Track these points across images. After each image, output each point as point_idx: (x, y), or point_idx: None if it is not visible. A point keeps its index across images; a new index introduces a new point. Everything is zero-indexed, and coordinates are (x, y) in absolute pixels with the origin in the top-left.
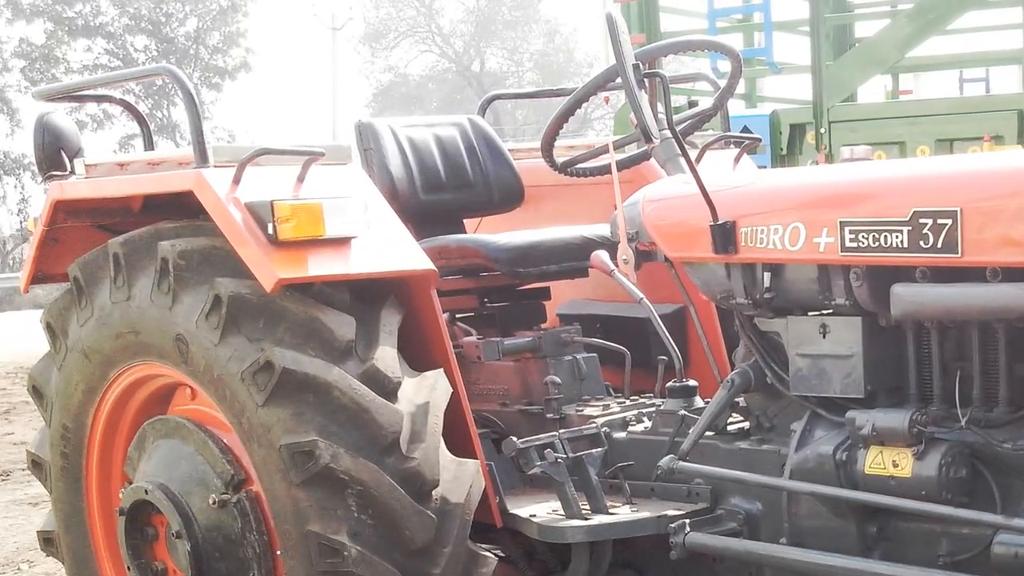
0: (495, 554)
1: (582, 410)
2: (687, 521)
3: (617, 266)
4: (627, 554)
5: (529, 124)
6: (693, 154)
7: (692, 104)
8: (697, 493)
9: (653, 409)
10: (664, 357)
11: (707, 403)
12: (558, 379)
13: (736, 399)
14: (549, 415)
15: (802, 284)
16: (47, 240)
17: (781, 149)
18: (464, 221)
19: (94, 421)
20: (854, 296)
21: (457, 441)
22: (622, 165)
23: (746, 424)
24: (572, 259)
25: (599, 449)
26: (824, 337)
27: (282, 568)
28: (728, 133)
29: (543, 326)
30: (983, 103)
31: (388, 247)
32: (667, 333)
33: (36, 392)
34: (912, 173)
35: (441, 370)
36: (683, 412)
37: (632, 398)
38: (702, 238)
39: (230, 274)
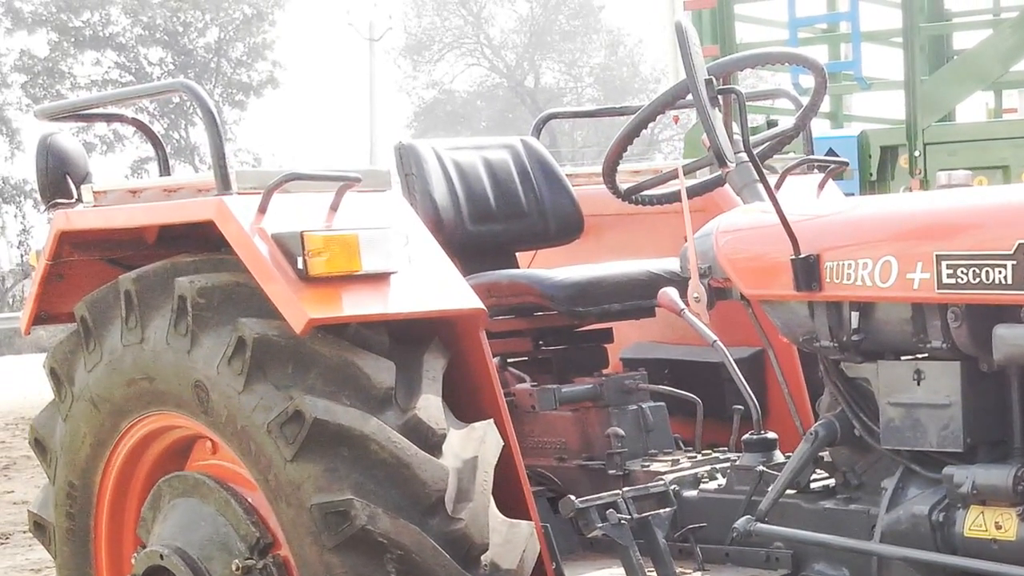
0: None
1: (648, 466)
2: None
3: (687, 305)
4: None
5: (589, 146)
6: (772, 180)
7: (771, 124)
8: (777, 558)
9: (728, 464)
10: (740, 406)
11: (788, 458)
12: (621, 431)
13: (820, 453)
14: (611, 471)
15: (894, 325)
16: (51, 276)
17: (870, 174)
18: (517, 255)
19: (103, 478)
20: (952, 338)
21: (509, 500)
22: (693, 192)
23: (831, 481)
24: (637, 297)
25: (667, 509)
26: (918, 384)
27: None
28: (811, 156)
29: (605, 372)
30: None
31: (432, 284)
32: (743, 379)
33: (39, 445)
34: (1017, 201)
35: (491, 421)
36: (761, 468)
37: (704, 452)
38: (782, 274)
39: (255, 314)
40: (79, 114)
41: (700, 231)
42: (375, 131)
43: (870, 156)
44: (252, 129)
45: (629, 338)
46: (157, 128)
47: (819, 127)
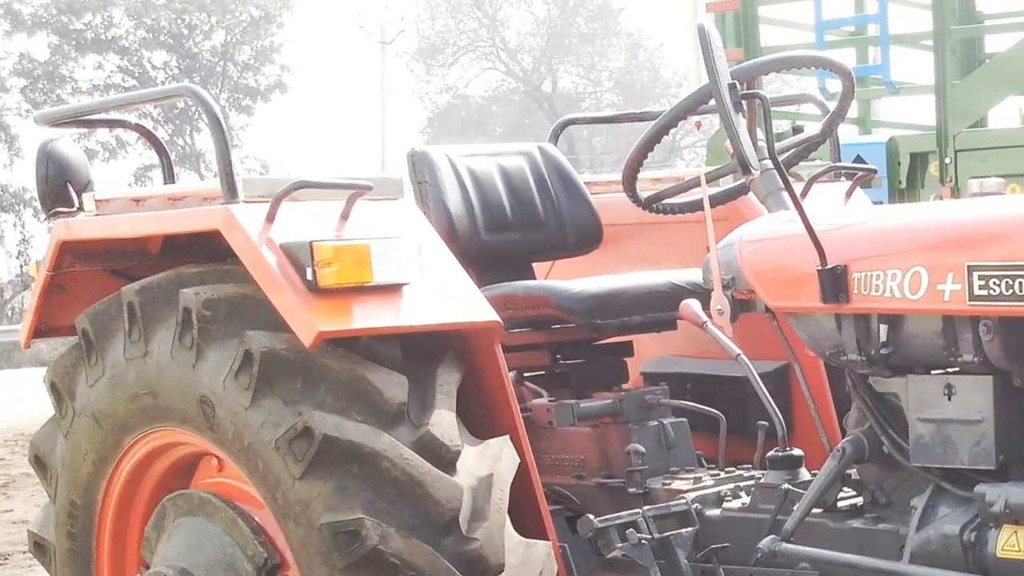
0: None
1: (670, 484)
2: None
3: (710, 317)
4: None
5: (608, 153)
6: (798, 188)
7: (797, 130)
8: None
9: (752, 483)
10: (764, 422)
11: (814, 476)
12: (642, 448)
13: (847, 471)
14: (632, 489)
15: (924, 338)
16: (51, 287)
17: (900, 182)
18: (533, 265)
19: (106, 496)
20: (984, 352)
21: (525, 519)
22: (716, 200)
23: (859, 500)
24: (658, 309)
25: (689, 529)
26: (949, 399)
27: None
28: (839, 163)
29: (625, 386)
30: None
31: (445, 295)
32: (768, 394)
33: (39, 463)
34: None
35: (507, 437)
36: (786, 486)
37: (727, 470)
38: (808, 285)
39: (263, 326)
40: (81, 120)
41: (723, 241)
42: (387, 137)
43: (899, 163)
44: (259, 135)
45: (650, 352)
46: (161, 134)
47: (846, 133)
